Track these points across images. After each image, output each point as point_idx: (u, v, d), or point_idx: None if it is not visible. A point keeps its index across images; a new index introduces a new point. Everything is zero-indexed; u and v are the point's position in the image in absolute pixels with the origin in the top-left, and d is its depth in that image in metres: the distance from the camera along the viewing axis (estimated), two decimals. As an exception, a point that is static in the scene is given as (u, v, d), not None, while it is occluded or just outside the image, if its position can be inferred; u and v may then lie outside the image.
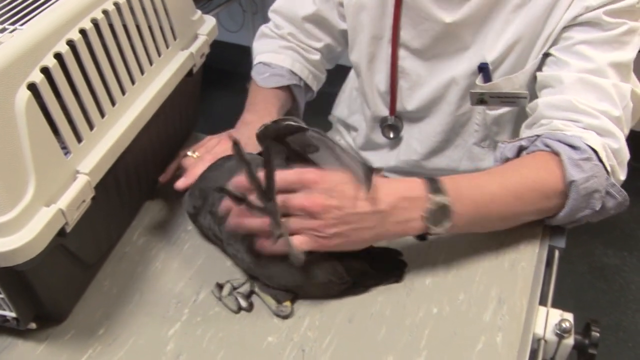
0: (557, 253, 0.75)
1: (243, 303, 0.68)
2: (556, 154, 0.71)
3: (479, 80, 0.87)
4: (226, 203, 0.65)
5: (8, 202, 0.54)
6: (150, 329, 0.67)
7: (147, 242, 0.78)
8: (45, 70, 0.57)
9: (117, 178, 0.68)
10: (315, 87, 1.08)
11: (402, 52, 0.93)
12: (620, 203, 0.73)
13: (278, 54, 1.01)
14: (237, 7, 2.63)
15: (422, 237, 0.69)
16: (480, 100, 0.88)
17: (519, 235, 0.75)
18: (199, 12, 0.87)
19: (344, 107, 1.17)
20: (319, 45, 1.02)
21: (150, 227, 0.80)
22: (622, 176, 0.75)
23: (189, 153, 0.81)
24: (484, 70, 0.86)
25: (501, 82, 0.86)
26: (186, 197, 0.74)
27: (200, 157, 0.79)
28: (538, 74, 0.82)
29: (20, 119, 0.54)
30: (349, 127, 1.16)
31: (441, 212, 0.65)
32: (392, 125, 1.03)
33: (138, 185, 0.77)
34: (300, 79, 1.03)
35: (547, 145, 0.72)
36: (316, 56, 1.03)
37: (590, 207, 0.71)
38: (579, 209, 0.71)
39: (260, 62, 1.02)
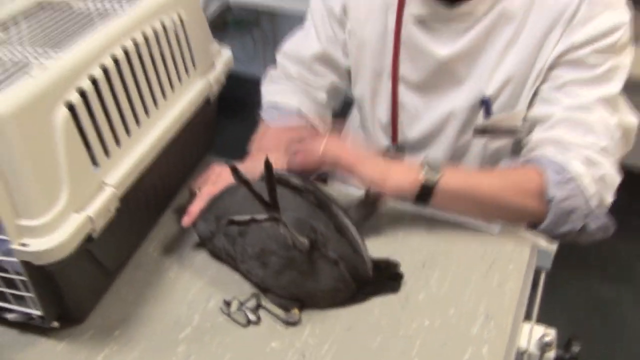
0: (543, 274, 0.80)
1: (252, 317, 0.73)
2: (541, 172, 0.78)
3: (481, 114, 0.94)
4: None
5: (43, 208, 0.60)
6: (163, 332, 0.72)
7: (161, 254, 0.84)
8: (81, 92, 0.64)
9: (138, 192, 0.74)
10: (322, 127, 1.12)
11: (401, 87, 1.00)
12: (605, 226, 0.79)
13: (286, 95, 1.07)
14: (249, 39, 2.73)
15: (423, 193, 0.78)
16: (482, 131, 0.95)
17: (508, 258, 0.81)
18: (217, 43, 0.94)
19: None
20: (325, 82, 1.09)
21: (165, 240, 0.86)
22: (609, 199, 0.81)
23: (196, 190, 0.86)
24: (485, 104, 0.93)
25: (501, 117, 0.93)
26: (199, 223, 0.80)
27: (203, 192, 0.84)
28: (530, 110, 0.89)
29: (57, 134, 0.61)
30: None
31: (433, 165, 0.79)
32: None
33: (156, 200, 0.84)
34: (308, 119, 1.08)
35: (536, 163, 0.80)
36: (323, 95, 1.09)
37: (571, 223, 0.77)
38: (560, 223, 0.78)
39: (269, 104, 1.08)
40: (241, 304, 0.75)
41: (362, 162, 0.79)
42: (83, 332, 0.72)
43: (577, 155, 0.80)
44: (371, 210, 0.86)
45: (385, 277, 0.76)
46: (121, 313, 0.75)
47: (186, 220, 0.80)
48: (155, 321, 0.74)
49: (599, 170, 0.80)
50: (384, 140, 1.09)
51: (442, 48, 0.92)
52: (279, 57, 1.12)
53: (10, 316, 0.71)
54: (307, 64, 1.08)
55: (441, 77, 0.95)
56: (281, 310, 0.73)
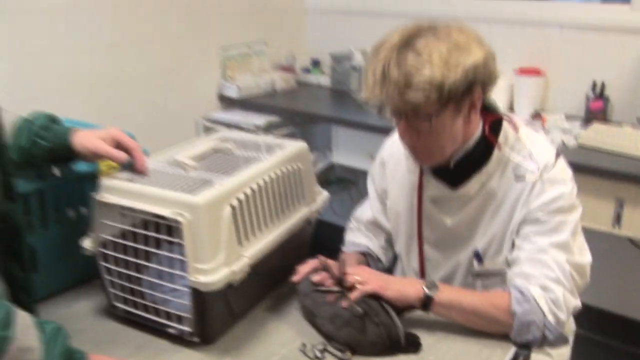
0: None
1: (319, 355, 1.13)
2: (509, 293, 1.18)
3: (475, 264, 1.33)
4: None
5: (210, 259, 1.06)
6: (262, 356, 1.14)
7: (268, 309, 1.27)
8: (238, 200, 1.12)
9: (261, 266, 1.19)
10: (385, 260, 1.54)
11: (425, 245, 1.42)
12: (559, 338, 1.16)
13: (359, 238, 1.54)
14: (347, 195, 3.25)
15: (424, 303, 1.17)
16: (478, 275, 1.34)
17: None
18: (319, 187, 1.43)
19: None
20: (381, 236, 1.54)
21: (272, 302, 1.29)
22: (563, 316, 1.17)
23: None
24: (478, 256, 1.33)
25: (490, 264, 1.32)
26: (302, 283, 1.23)
27: (308, 263, 1.29)
28: (509, 256, 1.27)
29: (224, 221, 1.08)
30: None
31: (432, 284, 1.17)
32: None
33: (271, 275, 1.29)
34: (372, 251, 1.52)
35: (511, 288, 1.19)
36: (382, 242, 1.54)
37: (532, 333, 1.15)
38: (523, 333, 1.15)
39: (348, 242, 1.55)
40: (313, 346, 1.15)
41: (386, 285, 1.20)
42: (213, 348, 1.15)
43: (536, 283, 1.18)
44: (401, 312, 1.25)
45: (410, 343, 1.14)
46: (238, 340, 1.17)
47: (296, 278, 1.24)
48: (258, 349, 1.15)
49: (552, 294, 1.17)
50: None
51: (449, 219, 1.34)
52: (352, 218, 1.59)
53: (171, 330, 1.15)
54: (365, 225, 1.55)
55: (450, 238, 1.36)
56: (340, 353, 1.13)
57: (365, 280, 1.19)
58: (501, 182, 1.27)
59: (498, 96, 2.52)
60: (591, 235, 1.90)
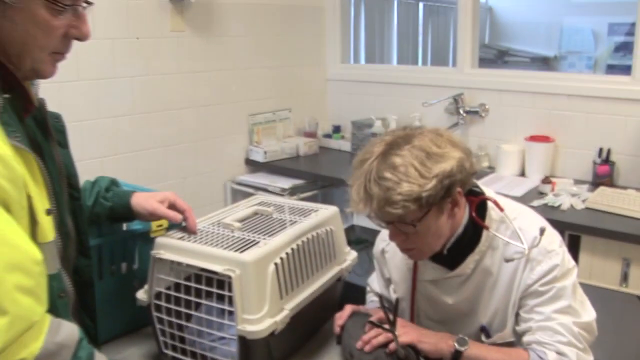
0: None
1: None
2: (528, 355, 1.30)
3: (483, 337, 1.43)
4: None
5: (257, 311, 1.20)
6: (298, 401, 1.26)
7: (309, 355, 1.40)
8: (280, 259, 1.26)
9: (296, 318, 1.32)
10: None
11: (428, 322, 1.51)
12: None
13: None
14: (365, 255, 3.36)
15: (454, 357, 1.29)
16: None
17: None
18: (349, 248, 1.57)
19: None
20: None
21: (307, 351, 1.42)
22: None
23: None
24: (484, 330, 1.43)
25: (497, 337, 1.42)
26: (344, 332, 1.37)
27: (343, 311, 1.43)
28: (517, 328, 1.38)
29: (269, 277, 1.22)
30: None
31: (463, 340, 1.28)
32: None
33: (304, 327, 1.42)
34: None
35: (530, 350, 1.31)
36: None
37: None
38: None
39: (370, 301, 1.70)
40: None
41: (422, 337, 1.32)
42: (254, 393, 1.28)
43: (551, 349, 1.29)
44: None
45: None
46: (276, 388, 1.30)
47: (340, 322, 1.39)
48: (294, 395, 1.28)
49: (566, 359, 1.28)
50: None
51: (449, 298, 1.45)
52: (368, 282, 1.73)
53: (218, 377, 1.28)
54: (374, 293, 1.69)
55: (453, 314, 1.47)
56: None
57: (405, 331, 1.31)
58: (494, 260, 1.38)
59: (510, 162, 2.70)
60: (600, 293, 2.04)
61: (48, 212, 0.99)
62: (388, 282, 1.62)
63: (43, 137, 1.07)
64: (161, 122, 2.74)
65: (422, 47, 4.82)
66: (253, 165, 3.14)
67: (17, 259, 0.85)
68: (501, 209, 1.38)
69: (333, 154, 3.32)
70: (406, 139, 1.28)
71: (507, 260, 1.34)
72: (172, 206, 1.35)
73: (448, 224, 1.34)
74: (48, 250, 0.99)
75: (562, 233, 1.50)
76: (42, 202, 0.97)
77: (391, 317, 1.32)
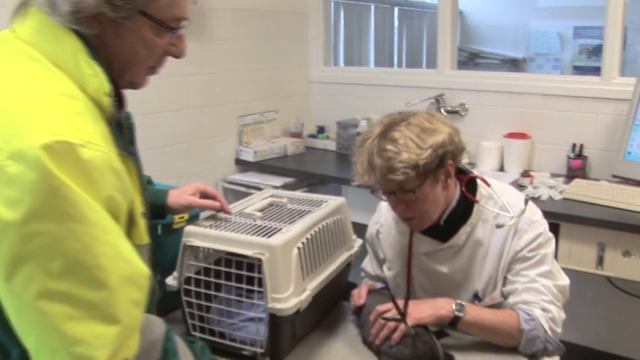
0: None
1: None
2: (518, 315, 1.45)
3: (476, 301, 1.58)
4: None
5: (284, 290, 1.32)
6: (320, 372, 1.39)
7: (325, 332, 1.52)
8: (302, 243, 1.39)
9: (319, 297, 1.44)
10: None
11: (422, 294, 1.65)
12: (558, 348, 1.45)
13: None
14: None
15: (453, 322, 1.42)
16: None
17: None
18: (355, 236, 1.70)
19: None
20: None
21: (323, 328, 1.55)
22: (559, 330, 1.46)
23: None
24: (477, 296, 1.59)
25: (488, 300, 1.58)
26: (363, 311, 1.50)
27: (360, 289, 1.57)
28: (503, 289, 1.55)
29: (293, 260, 1.35)
30: None
31: (461, 306, 1.42)
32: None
33: (320, 307, 1.54)
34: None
35: (517, 310, 1.46)
36: None
37: (536, 346, 1.42)
38: (529, 346, 1.43)
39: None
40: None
41: (423, 311, 1.45)
42: (280, 366, 1.40)
43: (536, 307, 1.46)
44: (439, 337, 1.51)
45: (447, 358, 1.40)
46: (299, 359, 1.43)
47: (360, 301, 1.53)
48: (316, 367, 1.41)
49: (549, 314, 1.46)
50: None
51: (443, 267, 1.60)
52: (361, 268, 1.86)
53: (245, 352, 1.40)
54: (371, 277, 1.81)
55: (447, 284, 1.62)
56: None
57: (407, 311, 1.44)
58: (485, 231, 1.56)
59: (490, 158, 2.87)
60: (578, 276, 2.22)
61: (144, 215, 1.06)
62: (382, 262, 1.76)
63: (119, 132, 1.11)
64: (154, 124, 2.83)
65: (397, 49, 4.99)
66: (243, 165, 3.25)
67: (131, 273, 0.90)
68: (489, 185, 1.57)
69: (319, 153, 3.45)
70: (403, 119, 1.47)
71: (499, 226, 1.52)
72: (204, 194, 1.47)
73: (443, 194, 1.51)
74: (143, 252, 1.03)
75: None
76: (139, 206, 1.03)
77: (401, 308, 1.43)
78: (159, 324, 1.02)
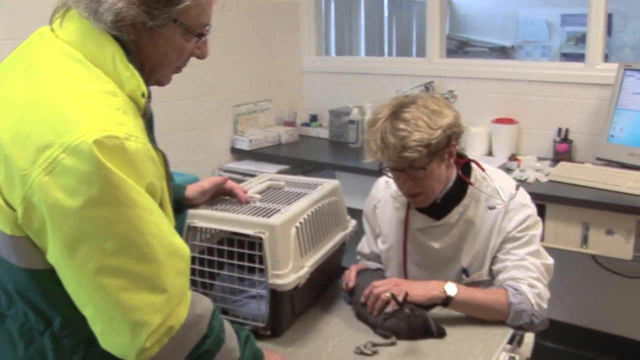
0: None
1: (368, 351, 1.45)
2: (506, 290, 1.54)
3: (464, 276, 1.68)
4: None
5: (284, 267, 1.40)
6: (319, 345, 1.47)
7: (322, 309, 1.60)
8: (300, 223, 1.47)
9: (315, 274, 1.52)
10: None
11: (414, 267, 1.74)
12: (543, 322, 1.54)
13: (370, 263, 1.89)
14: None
15: (445, 302, 1.50)
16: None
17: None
18: (350, 217, 1.78)
19: None
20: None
21: (320, 304, 1.63)
22: (544, 305, 1.55)
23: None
24: (465, 271, 1.69)
25: (476, 276, 1.68)
26: (356, 289, 1.59)
27: (350, 272, 1.64)
28: (493, 267, 1.64)
29: (291, 239, 1.43)
30: None
31: (451, 287, 1.50)
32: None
33: (320, 283, 1.63)
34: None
35: (506, 286, 1.55)
36: None
37: (524, 319, 1.51)
38: (517, 319, 1.51)
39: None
40: (364, 344, 1.48)
41: (414, 290, 1.51)
42: (280, 340, 1.48)
43: (524, 283, 1.55)
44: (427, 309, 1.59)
45: (438, 330, 1.48)
46: (299, 333, 1.51)
47: (351, 283, 1.60)
48: (315, 340, 1.49)
49: (537, 290, 1.55)
50: None
51: (435, 243, 1.70)
52: (357, 252, 1.95)
53: (247, 327, 1.47)
54: (367, 257, 1.89)
55: (437, 259, 1.71)
56: (389, 340, 1.47)
57: (400, 289, 1.50)
58: (477, 212, 1.65)
59: (478, 143, 2.95)
60: (564, 255, 2.32)
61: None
62: (377, 236, 1.85)
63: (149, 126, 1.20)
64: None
65: (387, 38, 5.06)
66: (238, 154, 3.33)
67: (174, 247, 1.01)
68: (483, 169, 1.67)
69: (312, 141, 3.52)
70: (410, 101, 1.57)
71: (491, 208, 1.61)
72: (220, 186, 1.55)
73: (445, 173, 1.61)
74: None
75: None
76: (166, 193, 1.12)
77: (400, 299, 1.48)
78: (206, 302, 1.11)
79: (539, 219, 1.66)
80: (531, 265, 1.58)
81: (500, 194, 1.60)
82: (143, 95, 1.04)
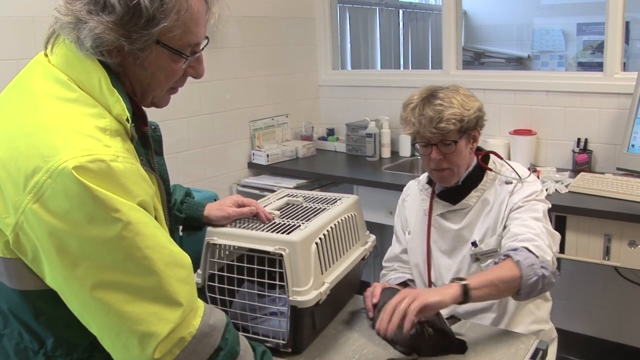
0: None
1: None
2: (508, 256, 1.54)
3: (472, 249, 1.74)
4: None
5: (304, 283, 1.40)
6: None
7: (342, 324, 1.59)
8: (320, 239, 1.46)
9: (336, 290, 1.52)
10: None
11: (438, 254, 1.84)
12: (553, 273, 1.55)
13: (393, 275, 1.94)
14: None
15: (464, 293, 1.48)
16: (476, 258, 1.74)
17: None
18: (369, 232, 1.78)
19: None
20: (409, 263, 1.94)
21: (345, 318, 1.62)
22: (548, 257, 1.57)
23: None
24: (474, 243, 1.76)
25: (483, 246, 1.73)
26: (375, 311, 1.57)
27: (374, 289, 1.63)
28: (498, 238, 1.71)
29: (312, 255, 1.42)
30: None
31: (461, 280, 1.49)
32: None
33: (337, 300, 1.62)
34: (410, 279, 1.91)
35: (505, 254, 1.56)
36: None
37: (535, 272, 1.50)
38: (530, 274, 1.50)
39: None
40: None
41: (428, 294, 1.50)
42: (301, 357, 1.47)
43: (522, 239, 1.60)
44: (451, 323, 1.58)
45: (459, 344, 1.47)
46: (319, 350, 1.50)
47: (375, 299, 1.57)
48: (336, 356, 1.48)
49: (535, 242, 1.58)
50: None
51: (454, 225, 1.80)
52: (384, 263, 2.00)
53: (268, 344, 1.47)
54: (396, 259, 1.95)
55: (456, 240, 1.81)
56: (407, 355, 1.46)
57: (411, 299, 1.48)
58: (493, 194, 1.79)
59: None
60: (586, 268, 2.29)
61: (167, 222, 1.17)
62: (405, 228, 1.97)
63: (143, 148, 1.21)
64: (168, 131, 2.91)
65: (402, 51, 5.06)
66: (256, 168, 3.34)
67: (173, 257, 1.01)
68: (501, 158, 1.84)
69: (329, 155, 3.53)
70: (440, 88, 1.76)
71: (507, 183, 1.78)
72: (241, 205, 1.55)
73: (468, 156, 1.79)
74: None
75: (549, 214, 1.77)
76: (163, 217, 1.13)
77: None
78: (219, 314, 1.11)
79: (547, 202, 1.75)
80: (532, 223, 1.66)
81: (516, 173, 1.78)
82: (128, 120, 1.04)
